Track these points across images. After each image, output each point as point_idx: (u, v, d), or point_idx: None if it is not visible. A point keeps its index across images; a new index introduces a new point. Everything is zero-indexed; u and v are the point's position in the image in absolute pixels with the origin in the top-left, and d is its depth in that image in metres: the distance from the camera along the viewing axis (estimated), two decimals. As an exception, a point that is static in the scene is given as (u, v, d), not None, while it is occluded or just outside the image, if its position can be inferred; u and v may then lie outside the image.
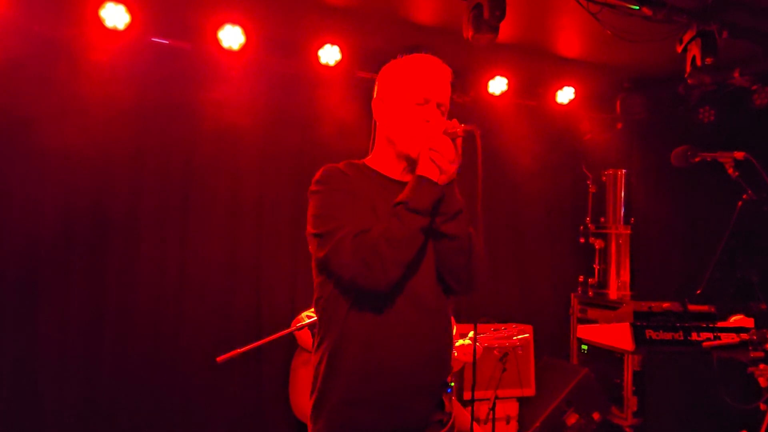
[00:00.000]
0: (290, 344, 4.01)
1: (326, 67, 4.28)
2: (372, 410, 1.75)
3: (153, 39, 3.96)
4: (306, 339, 3.62)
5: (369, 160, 1.95)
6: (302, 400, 3.79)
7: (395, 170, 1.91)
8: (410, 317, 1.77)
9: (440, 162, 1.71)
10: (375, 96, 1.94)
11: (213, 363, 2.91)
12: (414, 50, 1.90)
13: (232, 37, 3.97)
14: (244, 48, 4.02)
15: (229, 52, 4.03)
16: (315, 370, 1.82)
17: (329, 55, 4.23)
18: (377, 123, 1.94)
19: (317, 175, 1.84)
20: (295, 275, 4.40)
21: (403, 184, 1.82)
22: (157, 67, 4.00)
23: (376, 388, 1.75)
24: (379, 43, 4.36)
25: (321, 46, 4.21)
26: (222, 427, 4.18)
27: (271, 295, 4.34)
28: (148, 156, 4.08)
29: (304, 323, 3.16)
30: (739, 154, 2.42)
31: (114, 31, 3.75)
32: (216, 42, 3.98)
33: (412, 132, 1.80)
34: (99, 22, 3.71)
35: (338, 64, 4.27)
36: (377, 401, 1.75)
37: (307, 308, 3.77)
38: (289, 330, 3.21)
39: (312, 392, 1.83)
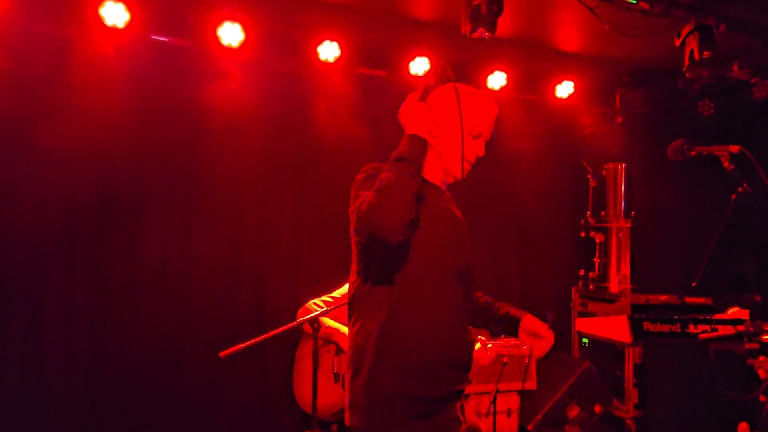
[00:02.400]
0: (294, 339, 4.03)
1: (326, 63, 4.29)
2: (416, 382, 1.96)
3: (153, 37, 3.98)
4: None
5: None
6: (307, 390, 3.80)
7: (437, 177, 2.19)
8: (444, 303, 2.05)
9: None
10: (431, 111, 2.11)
11: (217, 358, 2.95)
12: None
13: (231, 34, 3.98)
14: (244, 45, 4.04)
15: (229, 50, 4.04)
16: (357, 349, 2.01)
17: (328, 51, 4.24)
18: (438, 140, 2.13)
19: (364, 167, 2.09)
20: (298, 270, 4.43)
21: (438, 189, 2.16)
22: (157, 65, 4.01)
23: (423, 362, 1.97)
24: (378, 39, 4.38)
25: (320, 42, 4.21)
26: (227, 421, 4.20)
27: (274, 290, 4.36)
28: (150, 153, 4.10)
29: (313, 314, 3.21)
30: (734, 148, 2.42)
31: (114, 30, 3.77)
32: (216, 39, 4.00)
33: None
34: (99, 20, 3.72)
35: (338, 60, 4.28)
36: (422, 374, 1.97)
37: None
38: (295, 323, 3.26)
39: (355, 371, 2.00)
